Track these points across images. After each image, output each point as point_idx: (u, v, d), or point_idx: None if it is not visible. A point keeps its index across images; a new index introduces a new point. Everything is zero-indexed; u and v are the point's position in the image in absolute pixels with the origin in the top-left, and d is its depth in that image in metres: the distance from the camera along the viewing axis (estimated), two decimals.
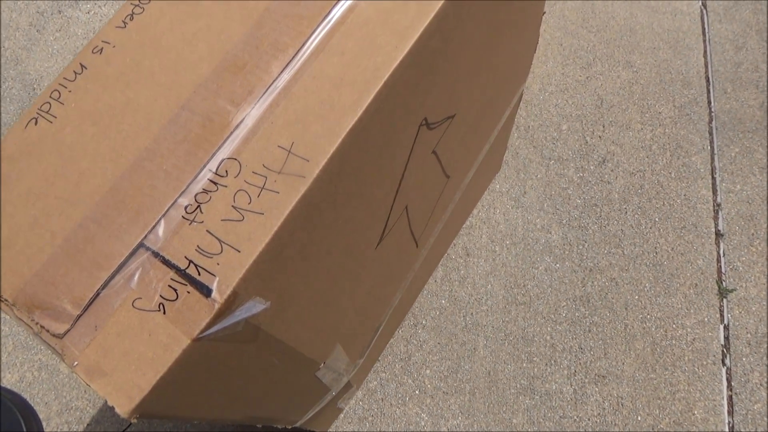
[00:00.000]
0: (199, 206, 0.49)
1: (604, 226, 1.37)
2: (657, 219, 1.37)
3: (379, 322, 0.94)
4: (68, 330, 0.47)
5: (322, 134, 0.51)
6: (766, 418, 1.18)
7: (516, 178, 1.44)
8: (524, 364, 1.26)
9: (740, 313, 1.27)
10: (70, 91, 0.57)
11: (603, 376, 1.24)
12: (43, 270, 0.50)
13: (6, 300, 0.50)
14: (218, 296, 0.46)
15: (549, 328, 1.29)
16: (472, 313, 1.31)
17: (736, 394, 1.21)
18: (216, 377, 0.54)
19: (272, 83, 0.54)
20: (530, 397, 1.23)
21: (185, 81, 0.55)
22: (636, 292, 1.30)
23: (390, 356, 1.29)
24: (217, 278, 0.46)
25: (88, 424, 1.26)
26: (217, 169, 0.51)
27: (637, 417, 1.20)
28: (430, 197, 0.87)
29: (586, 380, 1.24)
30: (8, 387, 1.23)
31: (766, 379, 1.21)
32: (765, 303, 1.27)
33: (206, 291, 0.46)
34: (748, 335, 1.25)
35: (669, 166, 1.42)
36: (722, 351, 1.24)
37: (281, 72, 0.54)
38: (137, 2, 0.60)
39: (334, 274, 0.65)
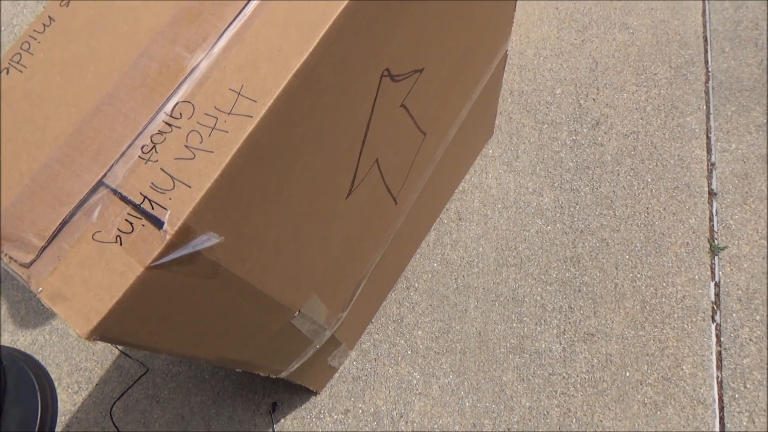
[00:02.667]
0: (154, 146, 0.52)
1: (596, 188, 1.37)
2: (649, 180, 1.36)
3: (360, 276, 0.96)
4: (33, 260, 0.51)
5: (270, 77, 0.53)
6: (755, 372, 1.19)
7: (509, 143, 1.44)
8: (514, 324, 1.28)
9: (732, 270, 1.27)
10: (39, 42, 0.60)
11: (592, 335, 1.25)
12: (12, 206, 0.53)
13: None
14: (169, 228, 0.48)
15: (539, 289, 1.30)
16: (463, 276, 1.33)
17: (725, 349, 1.21)
18: (178, 309, 0.57)
19: (225, 30, 0.56)
20: (520, 356, 1.25)
21: (145, 30, 0.58)
22: (626, 252, 1.31)
23: (383, 318, 1.31)
24: (169, 212, 0.49)
25: (96, 384, 1.32)
26: (171, 112, 0.53)
27: (626, 373, 1.22)
28: (405, 153, 0.89)
29: (575, 338, 1.25)
30: (21, 349, 1.30)
31: (756, 335, 1.21)
32: (757, 260, 1.27)
33: (159, 223, 0.49)
34: (739, 292, 1.25)
35: (663, 127, 1.41)
36: (712, 308, 1.25)
37: (234, 19, 0.56)
38: None
39: (300, 220, 0.67)
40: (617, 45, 1.53)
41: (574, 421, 1.20)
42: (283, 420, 1.26)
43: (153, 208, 0.50)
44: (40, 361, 1.36)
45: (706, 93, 1.45)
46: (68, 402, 1.30)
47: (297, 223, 0.67)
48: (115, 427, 1.27)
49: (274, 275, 0.68)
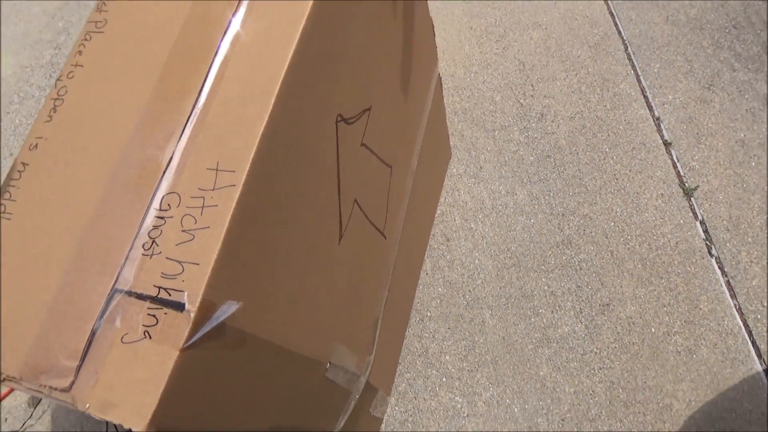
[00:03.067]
0: (153, 241, 0.55)
1: (562, 172, 1.43)
2: (607, 149, 1.43)
3: (375, 316, 0.98)
4: (73, 381, 0.52)
5: (240, 147, 0.57)
6: (766, 289, 1.22)
7: (469, 158, 1.50)
8: (532, 319, 1.30)
9: (710, 205, 1.32)
10: (18, 188, 0.63)
11: (607, 305, 1.28)
12: (38, 340, 0.55)
13: (14, 378, 0.55)
14: (191, 306, 0.51)
15: (544, 279, 1.33)
16: (469, 290, 1.35)
17: (731, 277, 1.25)
18: (220, 386, 0.59)
19: (188, 120, 0.61)
20: (548, 347, 1.27)
21: (114, 145, 0.62)
22: (610, 220, 1.35)
23: (408, 356, 1.32)
24: (186, 292, 0.52)
25: None
26: (160, 206, 0.57)
27: (651, 329, 1.24)
28: (379, 188, 0.93)
29: (593, 313, 1.27)
30: None
31: (754, 256, 1.25)
32: (729, 188, 1.32)
33: (180, 306, 0.51)
34: (724, 222, 1.30)
35: (602, 100, 1.49)
36: (706, 244, 1.29)
37: (192, 109, 0.61)
38: (56, 96, 0.67)
39: (302, 272, 0.70)
40: (536, 42, 1.63)
41: (620, 391, 1.20)
42: None
43: (170, 295, 0.52)
44: None
45: (629, 59, 1.54)
46: None
47: (301, 276, 0.70)
48: None
49: (296, 331, 0.70)
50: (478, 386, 1.26)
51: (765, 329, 1.19)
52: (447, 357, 1.30)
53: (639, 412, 1.18)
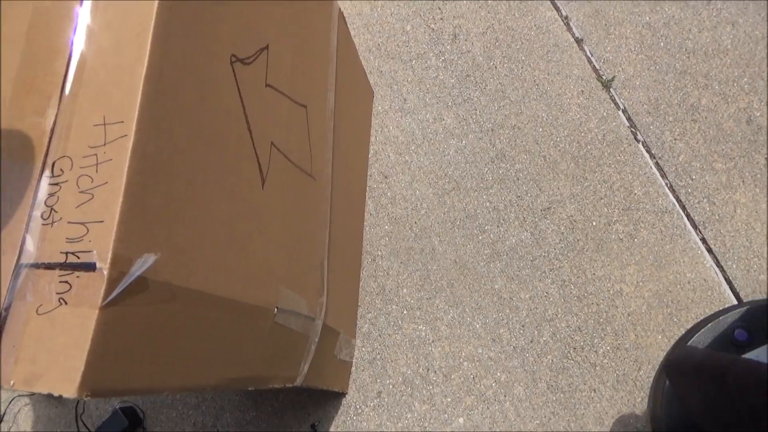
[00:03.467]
0: (51, 209, 0.53)
1: (484, 89, 1.44)
2: (523, 57, 1.44)
3: (319, 257, 0.98)
4: None
5: (124, 95, 0.54)
6: (693, 163, 1.27)
7: (392, 92, 1.49)
8: (480, 237, 1.32)
9: (629, 93, 1.35)
10: None
11: (548, 208, 1.31)
12: None
13: None
14: (102, 264, 0.49)
15: (484, 196, 1.35)
16: (415, 222, 1.36)
17: (659, 158, 1.30)
18: (156, 342, 0.58)
19: (63, 81, 0.57)
20: (499, 260, 1.30)
21: None
22: (538, 126, 1.37)
23: (367, 297, 1.33)
24: (95, 251, 0.50)
25: None
26: (52, 173, 0.54)
27: (592, 223, 1.28)
28: (297, 129, 0.91)
29: (536, 219, 1.31)
30: None
31: (676, 133, 1.30)
32: (644, 72, 1.36)
33: (91, 267, 0.50)
34: (645, 106, 1.34)
35: (510, 10, 1.49)
36: (631, 131, 1.33)
37: (66, 68, 0.58)
38: None
39: (228, 219, 0.69)
40: None
41: (572, 287, 1.25)
42: None
43: (79, 258, 0.50)
44: None
45: None
46: None
47: (226, 224, 0.69)
48: None
49: (232, 280, 0.69)
50: (439, 311, 1.29)
51: (696, 201, 1.25)
52: (404, 290, 1.32)
53: (592, 303, 1.23)
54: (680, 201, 1.26)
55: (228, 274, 0.68)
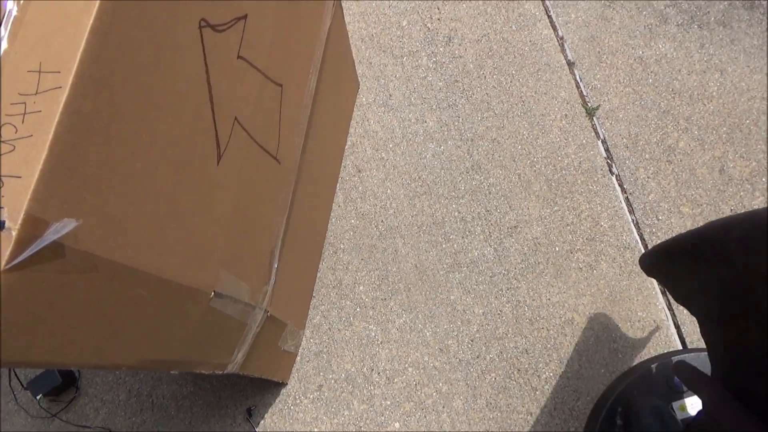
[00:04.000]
0: None
1: (471, 97, 1.40)
2: (513, 72, 1.40)
3: (271, 244, 0.93)
4: None
5: (66, 44, 0.49)
6: (661, 204, 1.25)
7: (377, 86, 1.44)
8: (444, 245, 1.29)
9: (611, 124, 1.33)
10: None
11: (514, 227, 1.28)
12: None
13: None
14: (12, 224, 0.44)
15: (454, 205, 1.31)
16: (382, 221, 1.32)
17: (630, 194, 1.27)
18: (69, 313, 0.53)
19: (2, 19, 0.52)
20: (459, 272, 1.26)
21: None
22: (518, 143, 1.34)
23: (323, 288, 1.29)
24: (6, 208, 0.45)
25: None
26: None
27: (555, 248, 1.25)
28: (267, 108, 0.86)
29: (502, 236, 1.27)
30: None
31: (650, 171, 1.28)
32: (629, 106, 1.33)
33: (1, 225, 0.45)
34: (624, 140, 1.31)
35: (508, 21, 1.45)
36: (607, 163, 1.30)
37: (7, 8, 0.52)
38: None
39: (171, 193, 0.64)
40: None
41: (526, 309, 1.22)
42: (262, 421, 1.21)
43: None
44: None
45: None
46: None
47: (169, 197, 0.63)
48: None
49: (167, 257, 0.64)
50: (392, 314, 1.25)
51: (659, 241, 1.23)
52: (361, 287, 1.28)
53: (543, 328, 1.21)
54: (643, 239, 1.24)
55: (163, 250, 0.63)
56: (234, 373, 0.92)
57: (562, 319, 1.21)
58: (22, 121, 0.47)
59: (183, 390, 1.25)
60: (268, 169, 0.89)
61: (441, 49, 1.45)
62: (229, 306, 0.81)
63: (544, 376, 1.18)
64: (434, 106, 1.40)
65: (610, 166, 1.30)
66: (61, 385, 1.25)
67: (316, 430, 1.20)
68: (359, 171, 1.37)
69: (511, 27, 1.45)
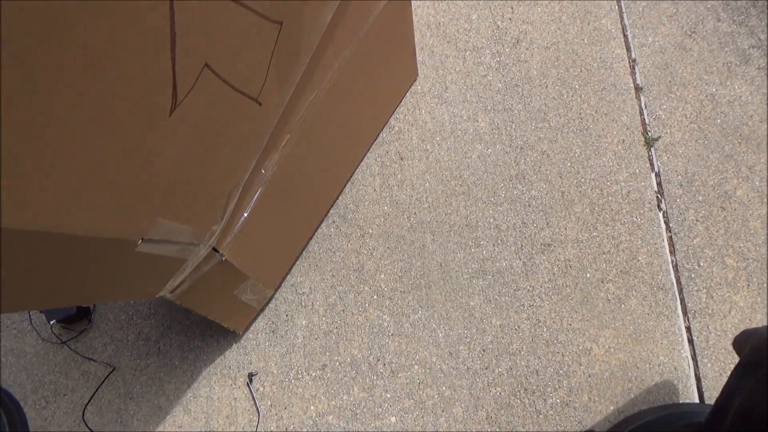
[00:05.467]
0: None
1: (528, 104, 1.27)
2: (577, 86, 1.26)
3: (230, 185, 0.80)
4: None
5: None
6: (706, 250, 1.12)
7: (435, 76, 1.32)
8: (472, 250, 1.18)
9: (669, 158, 1.19)
10: None
11: (548, 245, 1.16)
12: None
13: None
14: None
15: (491, 211, 1.20)
16: (415, 213, 1.22)
17: (675, 234, 1.14)
18: None
19: None
20: (483, 278, 1.16)
21: None
22: (568, 160, 1.21)
23: (343, 269, 1.20)
24: None
25: (64, 395, 1.16)
26: None
27: (586, 275, 1.14)
28: (256, 48, 0.70)
29: (533, 251, 1.16)
30: None
31: (701, 215, 1.15)
32: (690, 144, 1.19)
33: None
34: (679, 177, 1.17)
35: (581, 33, 1.31)
36: (657, 197, 1.17)
37: None
38: None
39: (103, 152, 0.51)
40: None
41: (544, 329, 1.12)
42: (262, 389, 1.14)
43: None
44: (1, 385, 1.20)
45: None
46: (38, 418, 1.15)
47: (100, 156, 0.51)
48: (91, 430, 1.13)
49: (85, 214, 0.52)
50: (408, 308, 1.16)
51: (695, 289, 1.11)
52: (382, 276, 1.18)
53: (558, 352, 1.10)
54: (680, 283, 1.12)
55: (85, 207, 0.52)
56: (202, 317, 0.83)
57: (580, 347, 1.10)
58: None
59: (191, 342, 1.18)
60: (242, 112, 0.75)
61: (507, 49, 1.31)
62: (162, 247, 0.69)
63: (551, 401, 1.08)
64: (489, 107, 1.27)
65: (659, 201, 1.17)
66: (74, 315, 1.19)
67: (312, 407, 1.12)
68: (401, 159, 1.26)
69: (583, 40, 1.30)
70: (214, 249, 0.82)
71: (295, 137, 0.90)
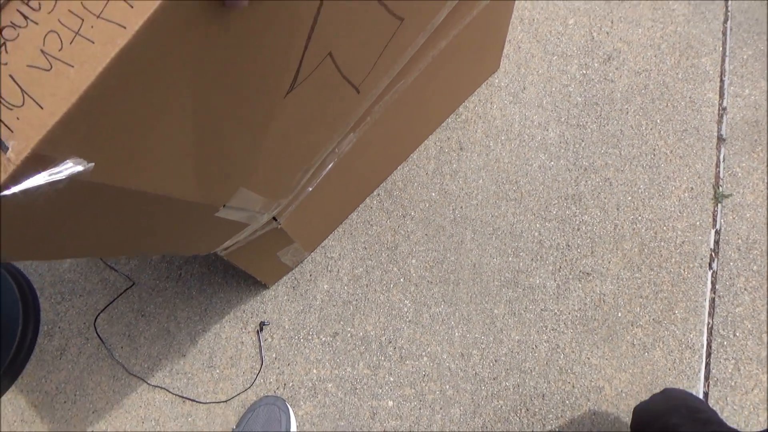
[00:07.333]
0: (5, 44, 0.28)
1: (603, 126, 1.11)
2: (658, 120, 1.10)
3: (307, 164, 0.71)
4: None
5: None
6: (746, 322, 0.99)
7: (516, 73, 1.15)
8: (510, 259, 1.05)
9: (734, 218, 1.04)
10: None
11: (587, 273, 1.03)
12: None
13: None
14: (14, 156, 0.28)
15: (538, 225, 1.06)
16: (461, 207, 1.08)
17: (719, 297, 1.00)
18: (65, 224, 0.35)
19: None
20: (513, 290, 1.03)
21: None
22: (629, 193, 1.06)
23: (376, 245, 1.07)
24: (15, 134, 0.28)
25: (80, 295, 1.07)
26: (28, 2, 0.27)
27: (617, 313, 1.01)
28: (373, 41, 0.62)
29: (570, 276, 1.03)
30: None
31: (751, 284, 1.00)
32: (760, 210, 1.04)
33: (3, 147, 0.28)
34: (739, 241, 1.03)
35: (677, 67, 1.13)
36: (710, 255, 1.02)
37: None
38: None
39: (218, 127, 0.45)
40: None
41: (561, 356, 1.00)
42: (270, 339, 1.04)
43: None
44: (22, 270, 1.10)
45: (724, 34, 1.16)
46: (51, 311, 1.06)
47: (214, 130, 0.45)
48: (99, 338, 1.04)
49: (186, 179, 0.47)
50: (431, 299, 1.04)
51: (724, 357, 0.98)
52: (413, 261, 1.06)
53: (569, 382, 0.99)
54: (710, 347, 0.99)
55: (186, 175, 0.46)
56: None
57: (593, 383, 0.98)
58: (71, 42, 0.29)
59: (211, 277, 1.08)
60: (342, 98, 0.67)
61: (596, 64, 1.14)
62: (235, 214, 0.62)
63: (549, 428, 0.97)
64: (563, 119, 1.11)
65: (711, 260, 1.02)
66: None
67: (315, 371, 1.02)
68: (461, 149, 1.11)
69: (677, 74, 1.13)
70: (274, 218, 0.72)
71: (373, 119, 0.78)
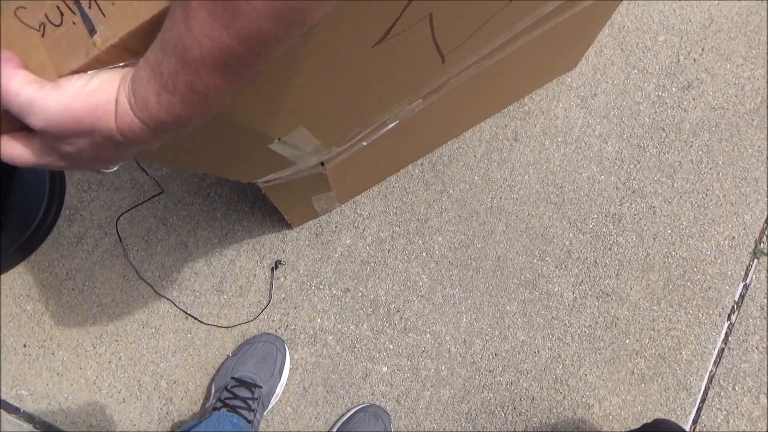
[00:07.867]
0: None
1: (664, 153, 1.05)
2: (720, 162, 1.04)
3: (371, 120, 0.67)
4: None
5: None
6: (748, 379, 0.96)
7: (591, 77, 1.08)
8: (535, 260, 1.01)
9: (766, 277, 1.00)
10: None
11: (607, 294, 1.00)
12: None
13: None
14: (100, 41, 0.24)
15: (571, 235, 1.02)
16: (500, 197, 1.04)
17: (729, 348, 0.98)
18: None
19: None
20: (530, 291, 1.00)
21: None
22: (670, 227, 1.02)
23: (407, 213, 1.03)
24: (107, 19, 0.24)
25: (107, 189, 1.04)
26: None
27: (626, 339, 0.98)
28: (475, 15, 0.55)
29: (590, 293, 1.00)
30: None
31: (764, 345, 0.98)
32: None
33: (91, 29, 0.24)
34: (765, 300, 0.99)
35: (754, 113, 1.06)
36: (732, 307, 0.99)
37: None
38: None
39: (301, 64, 0.39)
40: (740, 9, 1.12)
41: (560, 366, 0.98)
42: (282, 279, 1.01)
43: (90, 7, 0.25)
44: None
45: None
46: (75, 198, 1.03)
47: (292, 63, 0.41)
48: (118, 235, 1.01)
49: (251, 105, 0.43)
50: (448, 281, 1.01)
51: (717, 407, 0.96)
52: (440, 238, 1.02)
53: (561, 392, 0.97)
54: (706, 394, 0.97)
55: (254, 102, 0.43)
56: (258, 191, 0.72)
57: (583, 399, 0.97)
58: None
59: (239, 204, 1.04)
60: (426, 64, 0.61)
61: (674, 89, 1.07)
62: (287, 150, 0.58)
63: (531, 430, 0.96)
64: (625, 136, 1.05)
65: (731, 312, 0.99)
66: None
67: (319, 320, 1.00)
68: (515, 140, 1.06)
69: (752, 120, 1.06)
70: (321, 163, 0.68)
71: (445, 91, 0.73)
